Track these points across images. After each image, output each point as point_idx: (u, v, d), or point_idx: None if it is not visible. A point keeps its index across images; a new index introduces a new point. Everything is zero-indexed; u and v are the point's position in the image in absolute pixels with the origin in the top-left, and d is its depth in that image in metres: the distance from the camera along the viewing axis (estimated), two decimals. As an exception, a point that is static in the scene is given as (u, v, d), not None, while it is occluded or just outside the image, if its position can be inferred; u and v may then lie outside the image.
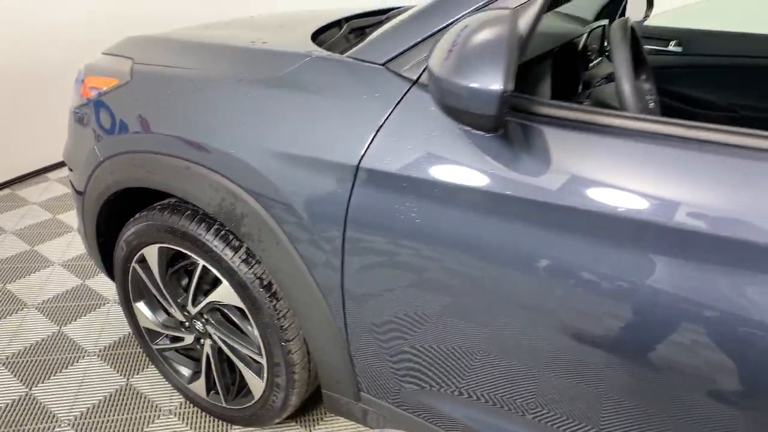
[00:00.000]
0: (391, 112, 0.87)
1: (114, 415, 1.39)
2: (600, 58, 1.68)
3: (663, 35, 1.95)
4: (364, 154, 0.89)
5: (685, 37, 1.92)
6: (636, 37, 1.22)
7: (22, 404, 1.41)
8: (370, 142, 0.89)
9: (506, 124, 0.79)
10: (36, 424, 1.35)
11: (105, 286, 1.81)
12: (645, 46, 2.03)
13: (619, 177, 0.73)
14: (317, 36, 1.26)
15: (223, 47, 1.16)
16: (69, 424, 1.37)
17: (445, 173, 0.82)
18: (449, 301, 0.89)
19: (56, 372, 1.51)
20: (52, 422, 1.36)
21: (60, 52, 2.71)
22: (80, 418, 1.39)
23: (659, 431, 0.79)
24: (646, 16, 2.07)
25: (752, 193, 0.66)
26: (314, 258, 1.00)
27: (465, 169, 0.81)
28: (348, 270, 0.98)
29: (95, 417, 1.39)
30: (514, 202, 0.78)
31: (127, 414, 1.40)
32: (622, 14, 2.05)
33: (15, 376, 1.49)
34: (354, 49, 0.98)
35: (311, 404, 1.46)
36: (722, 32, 1.90)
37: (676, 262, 0.69)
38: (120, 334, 1.64)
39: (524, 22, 0.77)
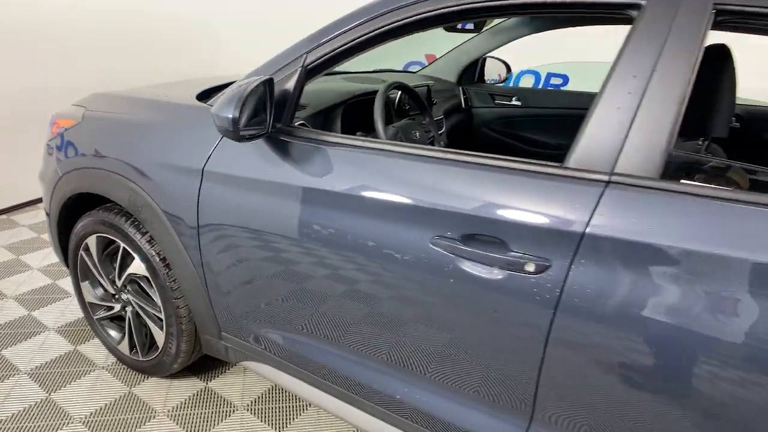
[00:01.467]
0: (222, 137, 1.42)
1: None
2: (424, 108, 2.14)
3: (508, 93, 2.53)
4: (207, 162, 1.43)
5: (522, 94, 2.50)
6: (415, 94, 1.79)
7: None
8: (210, 155, 1.43)
9: (277, 141, 1.33)
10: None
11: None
12: (496, 101, 2.61)
13: (335, 173, 1.25)
14: (215, 90, 1.84)
15: (141, 99, 1.74)
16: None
17: (246, 171, 1.36)
18: (267, 262, 1.38)
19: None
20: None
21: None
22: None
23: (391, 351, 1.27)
24: (507, 78, 2.67)
25: (436, 191, 1.15)
26: (184, 233, 1.52)
27: (256, 168, 1.34)
28: (203, 246, 1.49)
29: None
30: (279, 186, 1.30)
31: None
32: (481, 77, 2.65)
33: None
34: (212, 100, 1.55)
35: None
36: (549, 90, 2.48)
37: (365, 224, 1.20)
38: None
39: (289, 83, 1.33)
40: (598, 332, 0.96)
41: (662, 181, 0.92)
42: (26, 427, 1.67)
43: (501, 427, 1.16)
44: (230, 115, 1.17)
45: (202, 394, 1.87)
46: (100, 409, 1.77)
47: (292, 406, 1.82)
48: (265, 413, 1.79)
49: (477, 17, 1.16)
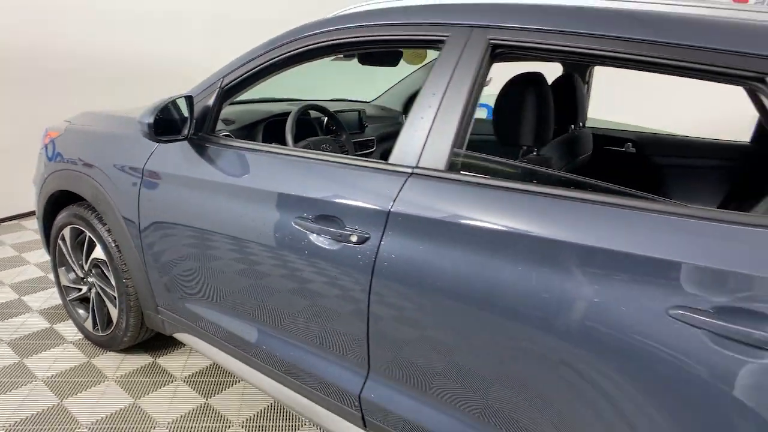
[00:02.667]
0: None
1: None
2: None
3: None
4: (147, 161, 1.77)
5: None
6: (332, 115, 2.13)
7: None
8: (149, 156, 1.77)
9: (198, 145, 1.66)
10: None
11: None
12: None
13: (235, 169, 1.57)
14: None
15: (109, 115, 2.12)
16: None
17: (174, 169, 1.69)
18: (187, 245, 1.70)
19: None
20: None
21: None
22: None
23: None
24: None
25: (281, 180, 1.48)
26: (129, 222, 1.85)
27: (180, 166, 1.68)
28: (142, 232, 1.82)
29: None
30: (196, 181, 1.63)
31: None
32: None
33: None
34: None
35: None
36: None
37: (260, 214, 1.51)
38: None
39: (210, 100, 1.67)
40: (403, 290, 1.23)
41: (447, 172, 1.21)
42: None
43: (348, 377, 1.41)
44: (147, 122, 1.52)
45: (150, 366, 2.17)
46: (62, 372, 2.10)
47: (225, 381, 2.09)
48: (199, 385, 2.07)
49: (338, 52, 1.50)
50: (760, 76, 0.95)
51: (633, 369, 0.95)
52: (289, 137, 1.87)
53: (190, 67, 4.52)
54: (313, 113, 2.30)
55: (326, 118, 2.30)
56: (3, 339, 2.29)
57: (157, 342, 2.28)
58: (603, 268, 0.98)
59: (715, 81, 1.02)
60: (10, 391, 1.97)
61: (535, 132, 1.46)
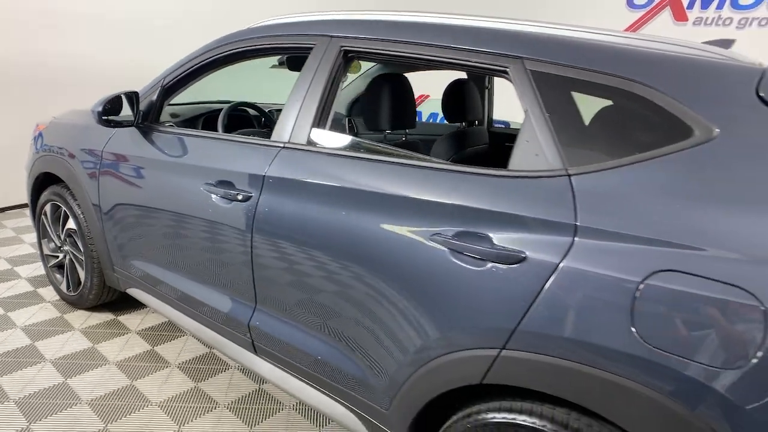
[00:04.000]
0: (116, 129, 2.18)
1: None
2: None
3: None
4: (105, 145, 2.19)
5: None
6: (263, 112, 2.53)
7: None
8: (108, 140, 2.19)
9: (144, 131, 2.07)
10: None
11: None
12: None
13: (169, 148, 1.97)
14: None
15: (87, 111, 2.55)
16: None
17: (125, 150, 2.11)
18: (135, 212, 2.10)
19: None
20: None
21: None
22: None
23: None
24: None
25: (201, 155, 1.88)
26: (92, 195, 2.26)
27: (130, 147, 2.09)
28: (102, 203, 2.23)
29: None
30: (140, 158, 2.04)
31: None
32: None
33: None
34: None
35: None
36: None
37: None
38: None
39: (155, 96, 2.08)
40: (274, 236, 1.60)
41: (307, 145, 1.59)
42: (-16, 329, 2.43)
43: (242, 309, 1.78)
44: (97, 110, 1.94)
45: (111, 323, 2.57)
46: (38, 323, 2.53)
47: (175, 336, 2.48)
48: (150, 337, 2.45)
49: (246, 58, 1.90)
50: (504, 68, 1.31)
51: (412, 277, 1.30)
52: (219, 126, 2.27)
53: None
54: (252, 111, 2.72)
55: (263, 117, 2.72)
56: (-7, 298, 2.73)
57: (119, 304, 2.68)
58: (399, 208, 1.34)
59: (483, 74, 1.39)
60: (-7, 335, 2.39)
61: (390, 120, 1.83)
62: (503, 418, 1.19)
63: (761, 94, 1.04)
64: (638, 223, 1.03)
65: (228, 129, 2.51)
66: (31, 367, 2.17)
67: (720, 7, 4.32)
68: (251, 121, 2.72)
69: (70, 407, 1.94)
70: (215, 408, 2.00)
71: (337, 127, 1.75)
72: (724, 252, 0.95)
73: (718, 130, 1.03)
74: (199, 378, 2.17)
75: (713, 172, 1.03)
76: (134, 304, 2.68)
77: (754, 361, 0.90)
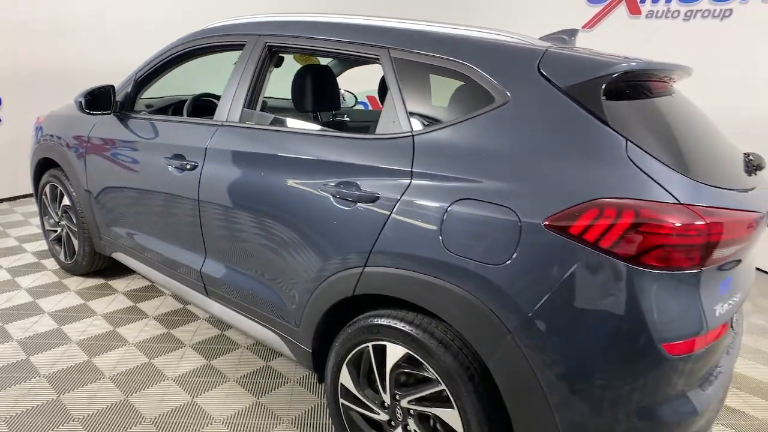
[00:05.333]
0: (100, 116, 2.60)
1: None
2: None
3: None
4: (90, 131, 2.61)
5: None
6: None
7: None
8: (92, 127, 2.61)
9: (121, 117, 2.48)
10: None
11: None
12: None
13: (140, 130, 2.38)
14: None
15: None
16: None
17: (105, 133, 2.52)
18: (114, 186, 2.51)
19: None
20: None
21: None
22: None
23: None
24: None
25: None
26: (81, 174, 2.69)
27: (109, 131, 2.50)
28: (88, 180, 2.65)
29: None
30: (118, 141, 2.45)
31: None
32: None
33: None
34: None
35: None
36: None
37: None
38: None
39: (129, 88, 2.49)
40: (213, 196, 1.99)
41: (239, 123, 1.97)
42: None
43: (195, 260, 2.18)
44: (79, 100, 2.36)
45: (102, 285, 2.99)
46: (40, 286, 2.97)
47: (154, 295, 2.89)
48: (135, 297, 2.88)
49: (201, 55, 2.30)
50: (376, 56, 1.69)
51: (308, 219, 1.68)
52: (184, 113, 2.68)
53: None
54: (216, 101, 3.13)
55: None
56: (3, 266, 3.17)
57: (108, 272, 3.10)
58: (300, 167, 1.72)
59: (363, 62, 1.76)
60: (1, 294, 2.83)
61: (313, 103, 2.21)
62: (370, 321, 1.57)
63: (541, 70, 1.40)
64: (448, 166, 1.41)
65: (193, 116, 2.92)
66: (31, 317, 2.60)
67: (668, 0, 4.62)
68: (214, 109, 3.12)
69: (59, 346, 2.36)
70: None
71: (264, 108, 2.14)
72: (498, 183, 1.32)
73: (510, 96, 1.40)
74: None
75: (504, 128, 1.39)
76: (122, 271, 3.10)
77: (514, 256, 1.27)
